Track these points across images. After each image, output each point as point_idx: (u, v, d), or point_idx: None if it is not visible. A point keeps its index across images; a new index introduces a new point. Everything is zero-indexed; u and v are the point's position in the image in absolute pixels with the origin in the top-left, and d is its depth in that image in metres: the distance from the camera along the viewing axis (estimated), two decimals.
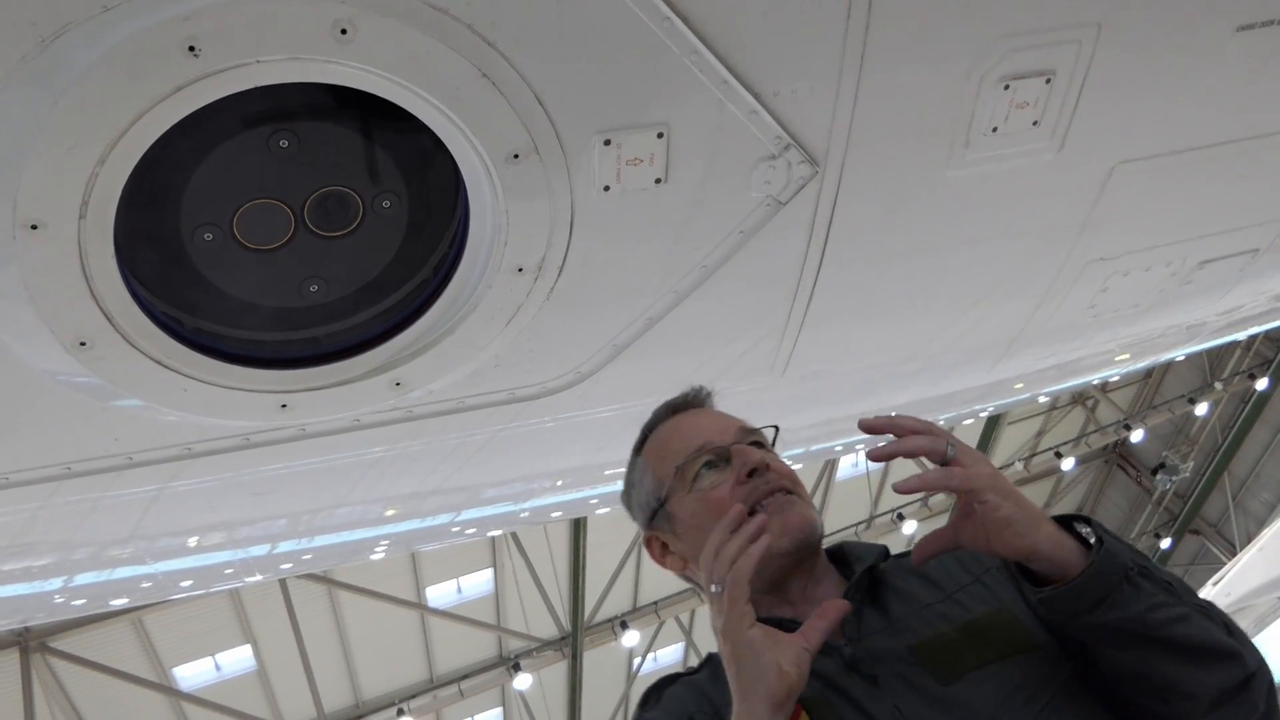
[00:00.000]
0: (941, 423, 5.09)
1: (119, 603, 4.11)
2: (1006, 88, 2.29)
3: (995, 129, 2.36)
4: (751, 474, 1.64)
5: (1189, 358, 17.14)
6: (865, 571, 1.62)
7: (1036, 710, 1.41)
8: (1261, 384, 17.55)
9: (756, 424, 1.81)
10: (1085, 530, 1.42)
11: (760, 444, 1.73)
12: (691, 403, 1.85)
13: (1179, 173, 2.78)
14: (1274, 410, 18.12)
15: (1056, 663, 1.46)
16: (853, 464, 17.09)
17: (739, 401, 3.11)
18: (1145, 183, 2.76)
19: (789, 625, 1.52)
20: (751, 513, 1.59)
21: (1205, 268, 3.30)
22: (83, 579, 3.28)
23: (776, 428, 1.83)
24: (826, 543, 1.72)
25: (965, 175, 2.45)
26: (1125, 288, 3.21)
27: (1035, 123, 2.40)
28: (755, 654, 1.35)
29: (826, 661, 1.48)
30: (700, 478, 1.67)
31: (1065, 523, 1.44)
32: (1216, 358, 18.47)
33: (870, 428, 1.52)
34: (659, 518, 1.73)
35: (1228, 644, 1.40)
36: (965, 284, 2.96)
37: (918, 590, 1.58)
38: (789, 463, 1.76)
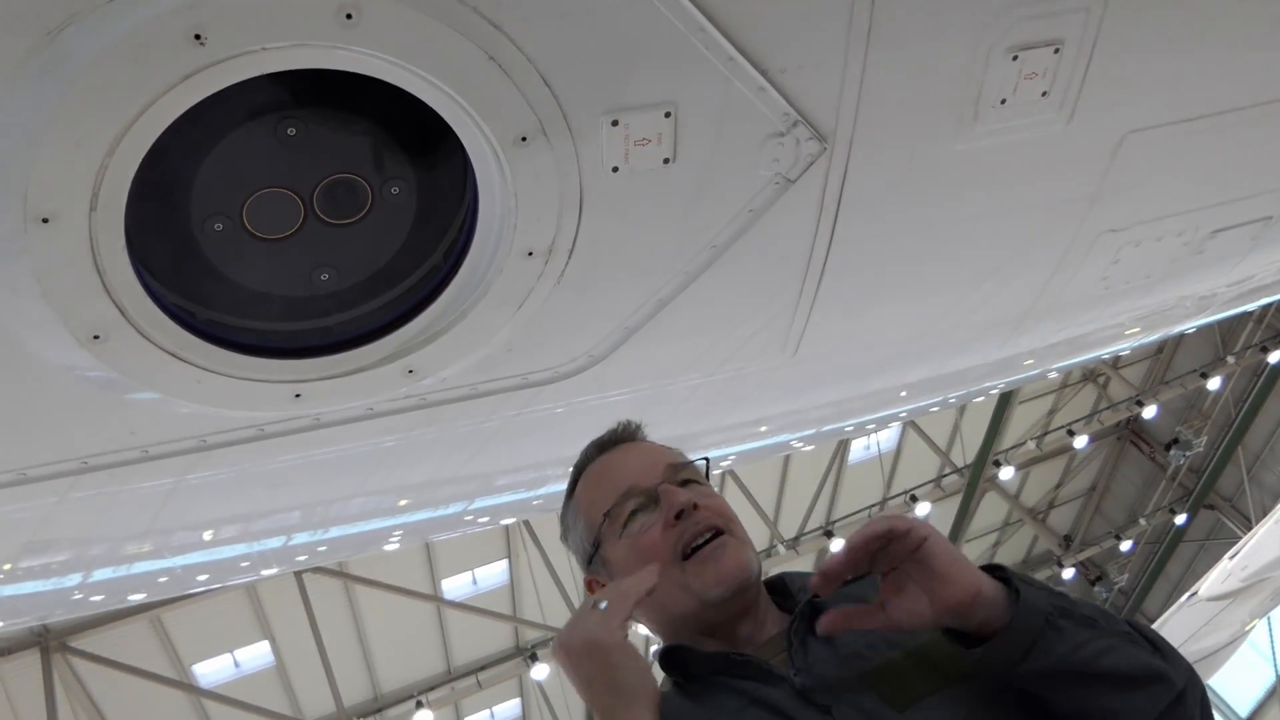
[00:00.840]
0: (953, 401, 5.08)
1: (137, 598, 4.13)
2: (1015, 59, 2.27)
3: (1004, 101, 2.35)
4: (680, 515, 1.61)
5: (1200, 332, 17.08)
6: (808, 601, 1.59)
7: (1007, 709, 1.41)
8: (1274, 357, 17.46)
9: (692, 456, 1.81)
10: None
11: (692, 479, 1.71)
12: (620, 438, 1.82)
13: (1190, 141, 2.76)
14: None
15: (1002, 688, 1.44)
16: (864, 446, 17.09)
17: (751, 382, 3.12)
18: (1156, 152, 2.74)
19: (735, 660, 1.54)
20: (685, 557, 1.59)
21: (1217, 237, 3.28)
22: (100, 574, 3.29)
23: (707, 459, 1.81)
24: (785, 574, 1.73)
25: (975, 149, 2.44)
26: (1137, 259, 3.19)
27: (1044, 94, 2.38)
28: (632, 657, 1.40)
29: (775, 692, 1.47)
30: (630, 522, 1.66)
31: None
32: (1228, 331, 18.38)
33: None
34: (594, 562, 1.72)
35: (1156, 666, 1.41)
36: (976, 259, 2.95)
37: None
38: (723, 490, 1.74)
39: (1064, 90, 2.39)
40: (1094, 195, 2.81)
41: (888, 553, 1.40)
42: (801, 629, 1.57)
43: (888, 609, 1.43)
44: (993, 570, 1.43)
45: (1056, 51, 2.30)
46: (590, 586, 1.74)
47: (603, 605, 1.42)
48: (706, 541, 1.60)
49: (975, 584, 1.38)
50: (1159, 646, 1.45)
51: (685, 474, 1.71)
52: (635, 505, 1.66)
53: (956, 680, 1.44)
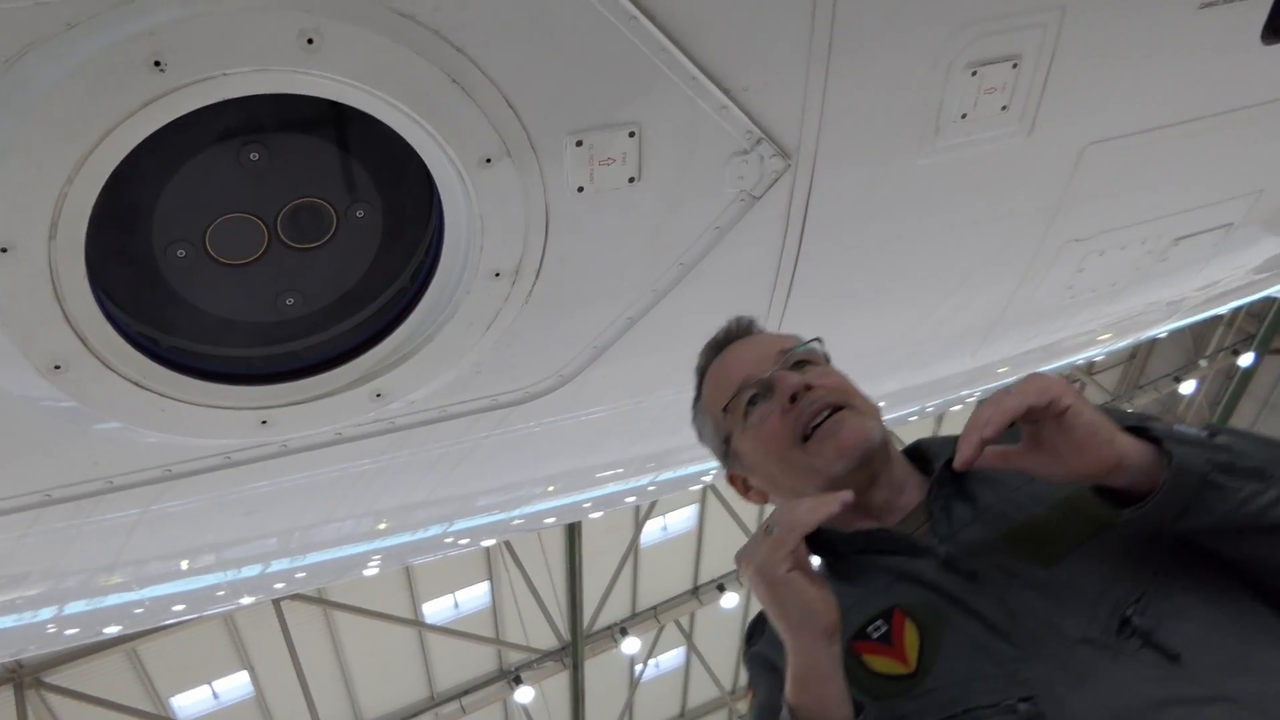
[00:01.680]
0: (930, 410, 5.10)
1: (112, 630, 4.08)
2: (974, 74, 2.30)
3: (964, 115, 2.38)
4: (794, 399, 1.60)
5: (1173, 337, 17.25)
6: (945, 466, 1.55)
7: (1146, 578, 1.34)
8: (1245, 359, 17.66)
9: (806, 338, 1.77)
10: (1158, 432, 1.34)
11: (808, 360, 1.69)
12: (733, 336, 1.82)
13: (1149, 151, 2.80)
14: (1259, 385, 18.25)
15: (1158, 529, 1.36)
16: None
17: None
18: (1116, 162, 2.77)
19: (877, 536, 1.52)
20: (806, 439, 1.58)
21: (1180, 244, 3.32)
22: (73, 608, 3.25)
23: (819, 339, 1.79)
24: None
25: (937, 162, 2.46)
26: (1102, 267, 3.23)
27: (1004, 107, 2.41)
28: (798, 590, 1.32)
29: (921, 564, 1.45)
30: (750, 412, 1.66)
31: (1134, 432, 1.34)
32: (1200, 335, 18.58)
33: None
34: (729, 458, 1.74)
35: None
36: (943, 271, 2.97)
37: (1003, 475, 1.47)
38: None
39: (1023, 104, 2.42)
40: (1057, 206, 2.84)
41: (1029, 413, 1.32)
42: (941, 496, 1.53)
43: (1025, 460, 1.36)
44: (1145, 428, 1.34)
45: (1015, 66, 2.33)
46: (732, 481, 1.77)
47: (774, 530, 1.36)
48: (825, 419, 1.58)
49: (1112, 457, 1.30)
50: None
51: (799, 356, 1.69)
52: (751, 394, 1.66)
53: (1106, 528, 1.38)
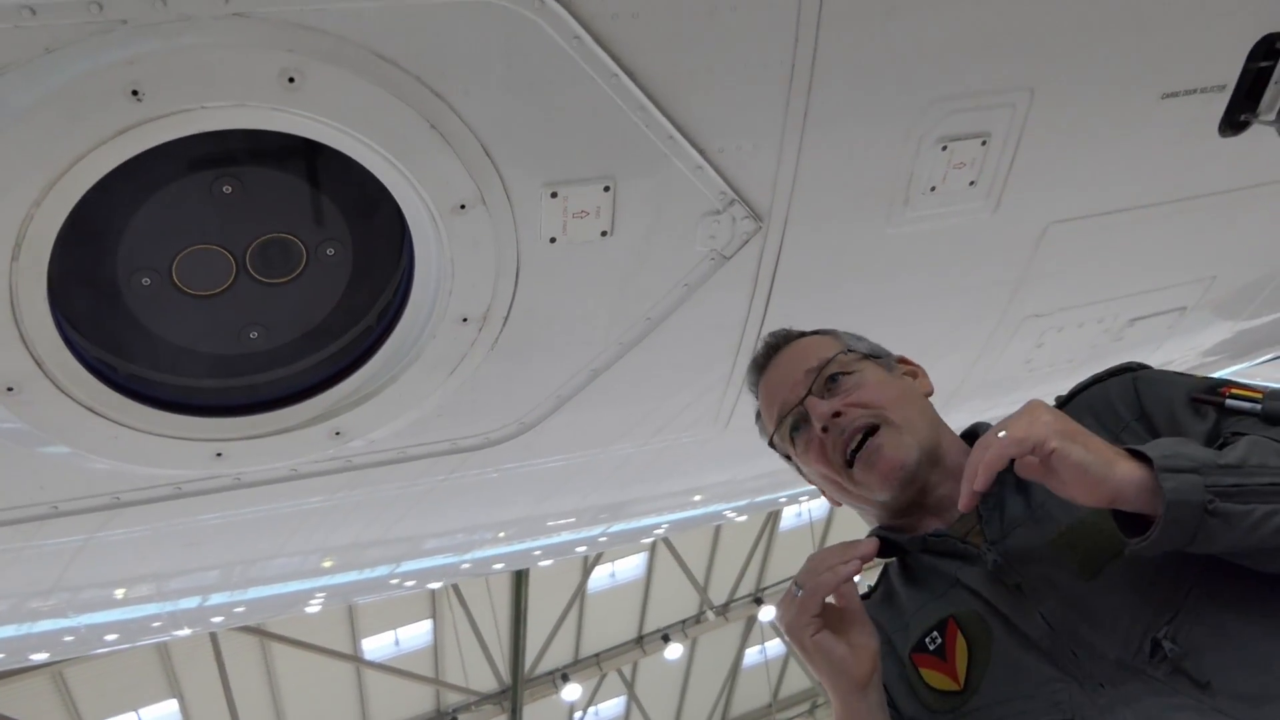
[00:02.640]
0: None
1: (39, 657, 3.96)
2: (944, 149, 2.35)
3: (934, 188, 2.43)
4: (826, 429, 1.60)
5: None
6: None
7: (1180, 597, 1.30)
8: None
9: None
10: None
11: (840, 371, 1.66)
12: (770, 352, 1.79)
13: (1109, 233, 2.87)
14: None
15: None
16: (796, 514, 17.16)
17: (684, 453, 3.13)
18: (1077, 242, 2.84)
19: (933, 541, 1.52)
20: (849, 464, 1.57)
21: (1136, 324, 3.39)
22: (1, 632, 3.15)
23: (834, 333, 1.79)
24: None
25: (904, 233, 2.51)
26: (1060, 343, 3.29)
27: (972, 183, 2.47)
28: (825, 651, 1.34)
29: (973, 571, 1.45)
30: (795, 440, 1.67)
31: (1138, 455, 1.27)
32: None
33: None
34: (802, 476, 1.76)
35: None
36: (905, 338, 2.98)
37: None
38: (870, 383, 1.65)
39: (990, 180, 2.48)
40: (1018, 281, 2.90)
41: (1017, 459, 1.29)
42: (992, 494, 1.45)
43: (1043, 481, 1.31)
44: (1142, 455, 1.26)
45: (984, 144, 2.39)
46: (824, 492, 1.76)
47: (799, 593, 1.36)
48: (860, 444, 1.57)
49: (1105, 495, 1.24)
50: None
51: (830, 370, 1.66)
52: (792, 423, 1.67)
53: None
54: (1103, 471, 1.24)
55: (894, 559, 1.63)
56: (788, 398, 1.68)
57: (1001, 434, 1.28)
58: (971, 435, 1.66)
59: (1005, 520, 1.48)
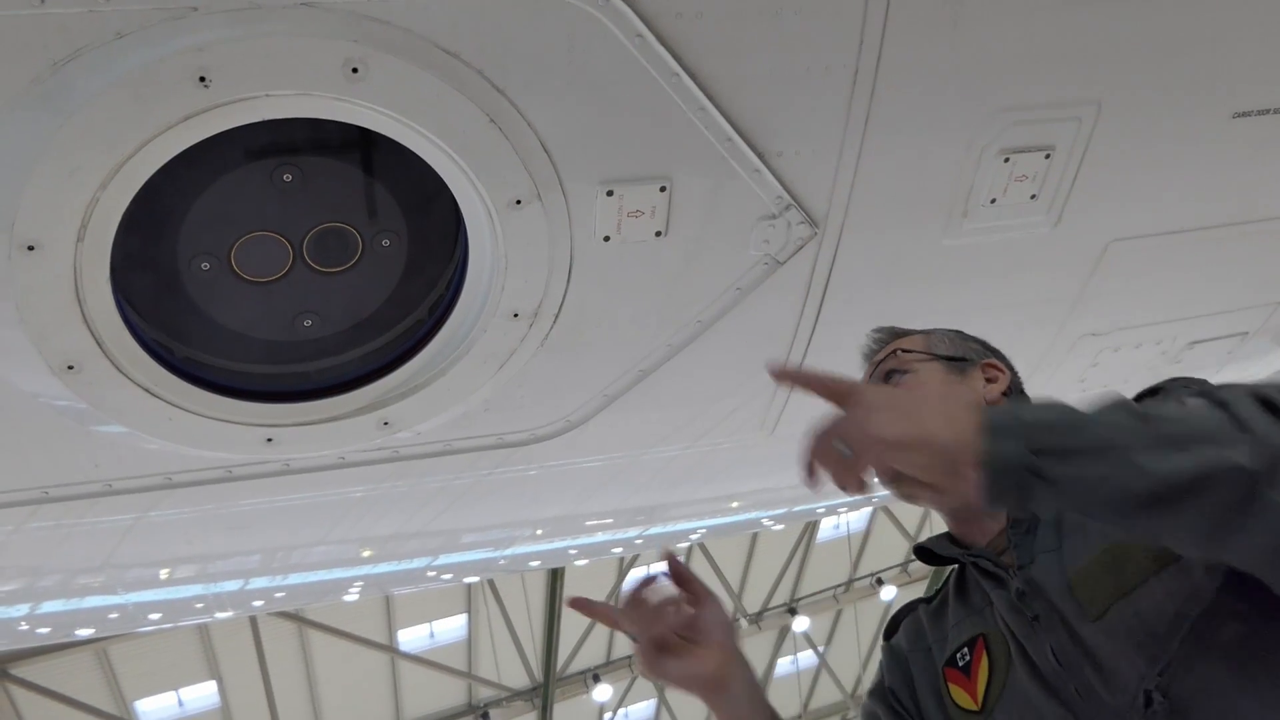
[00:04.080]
0: None
1: (84, 633, 4.04)
2: (1006, 160, 2.32)
3: (994, 200, 2.39)
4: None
5: None
6: None
7: (1174, 644, 1.24)
8: None
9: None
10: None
11: (896, 368, 1.64)
12: (878, 343, 1.77)
13: (1172, 253, 2.80)
14: None
15: (1205, 571, 1.24)
16: (834, 525, 17.04)
17: (727, 458, 3.11)
18: (1138, 261, 2.78)
19: (969, 560, 1.50)
20: None
21: (1195, 348, 3.32)
22: (49, 606, 3.22)
23: (928, 333, 1.73)
24: None
25: (962, 245, 2.47)
26: (1116, 363, 3.22)
27: (1033, 196, 2.42)
28: (670, 680, 1.42)
29: (1001, 595, 1.43)
30: None
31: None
32: None
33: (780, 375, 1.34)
34: None
35: (1201, 466, 1.05)
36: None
37: None
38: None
39: (1052, 195, 2.44)
40: (1076, 299, 2.85)
41: None
42: (1024, 519, 1.44)
43: None
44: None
45: (1047, 157, 2.34)
46: None
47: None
48: None
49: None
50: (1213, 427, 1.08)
51: (888, 366, 1.66)
52: None
53: (1152, 574, 1.27)
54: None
55: (955, 566, 1.61)
56: None
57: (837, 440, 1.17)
58: None
59: (1035, 545, 1.43)
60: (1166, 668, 1.25)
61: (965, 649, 1.46)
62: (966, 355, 1.71)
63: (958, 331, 1.79)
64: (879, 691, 1.66)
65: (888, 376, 1.65)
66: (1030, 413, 1.12)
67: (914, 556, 1.62)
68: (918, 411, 1.11)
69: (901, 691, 1.62)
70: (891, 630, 1.69)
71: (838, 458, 1.16)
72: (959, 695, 1.44)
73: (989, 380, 1.70)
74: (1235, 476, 1.03)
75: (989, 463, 1.07)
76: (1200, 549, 1.13)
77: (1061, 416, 1.11)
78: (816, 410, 1.75)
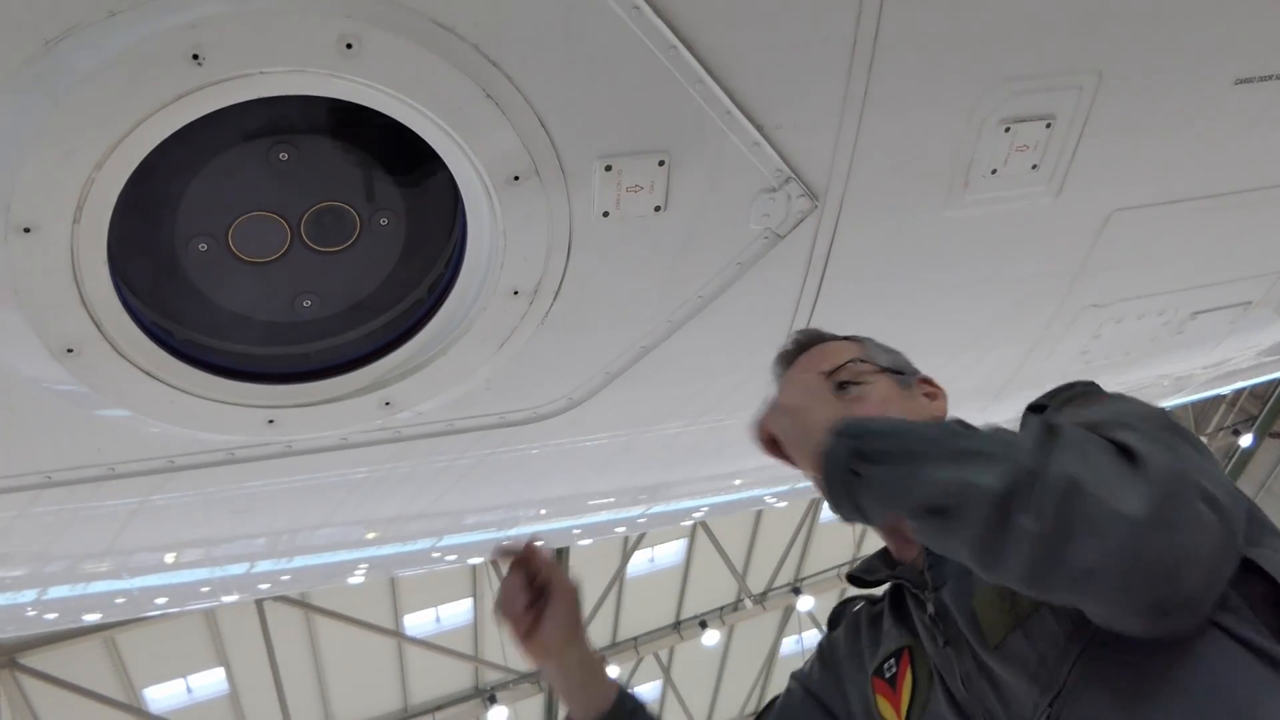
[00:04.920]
0: None
1: (92, 618, 4.05)
2: (1007, 130, 2.30)
3: (995, 171, 2.37)
4: None
5: (1174, 412, 17.19)
6: None
7: (1063, 674, 1.24)
8: (1245, 440, 17.61)
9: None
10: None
11: (848, 380, 1.66)
12: (800, 347, 1.80)
13: (1175, 222, 2.79)
14: (1258, 466, 18.18)
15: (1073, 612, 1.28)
16: None
17: (730, 435, 3.11)
18: (1141, 231, 2.77)
19: (897, 579, 1.53)
20: None
21: (1198, 318, 3.31)
22: (56, 592, 3.22)
23: (861, 341, 1.78)
24: None
25: (963, 216, 2.46)
26: (1118, 335, 3.21)
27: (1034, 166, 2.41)
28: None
29: (920, 614, 1.45)
30: None
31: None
32: (1201, 413, 18.54)
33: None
34: None
35: (955, 479, 1.08)
36: (960, 325, 2.96)
37: None
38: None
39: (1054, 164, 2.42)
40: (1078, 270, 2.83)
41: None
42: None
43: None
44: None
45: (1048, 126, 2.33)
46: None
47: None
48: None
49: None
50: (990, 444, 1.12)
51: (841, 376, 1.66)
52: None
53: (1039, 605, 1.27)
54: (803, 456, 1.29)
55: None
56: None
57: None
58: None
59: (945, 569, 1.44)
60: (1056, 697, 1.25)
61: (892, 660, 1.47)
62: (903, 369, 1.73)
63: (876, 341, 1.81)
64: (806, 677, 1.69)
65: (841, 386, 1.65)
66: (878, 422, 1.27)
67: (847, 583, 1.63)
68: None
69: (826, 686, 1.64)
70: (835, 621, 1.69)
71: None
72: (884, 707, 1.45)
73: (927, 396, 1.72)
74: (978, 494, 1.05)
75: (823, 457, 1.19)
76: (985, 573, 1.13)
77: (894, 425, 1.22)
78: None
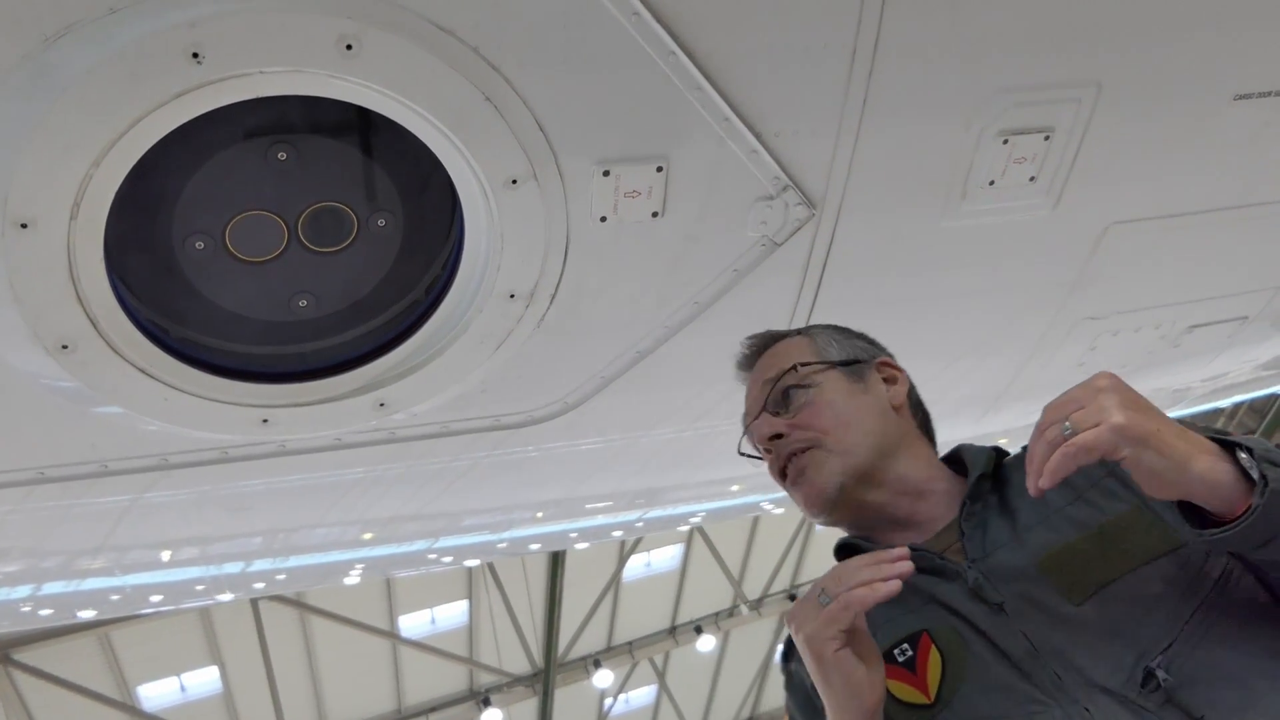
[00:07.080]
0: None
1: (86, 614, 4.05)
2: (1005, 142, 2.30)
3: (992, 182, 2.38)
4: (769, 448, 1.64)
5: None
6: (979, 480, 1.52)
7: (1181, 624, 1.27)
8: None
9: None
10: (1245, 458, 1.21)
11: (796, 384, 1.65)
12: (751, 354, 1.80)
13: (1172, 236, 2.79)
14: None
15: (1205, 561, 1.30)
16: None
17: (726, 441, 3.11)
18: (1138, 244, 2.77)
19: (917, 554, 1.43)
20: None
21: (1194, 332, 3.31)
22: (51, 588, 3.23)
23: (810, 334, 1.76)
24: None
25: (960, 226, 2.46)
26: (1114, 347, 3.21)
27: (1032, 178, 2.41)
28: (846, 672, 1.28)
29: (950, 589, 1.42)
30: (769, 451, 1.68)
31: (1227, 445, 1.23)
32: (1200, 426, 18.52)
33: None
34: None
35: None
36: (955, 335, 2.96)
37: (1049, 491, 1.31)
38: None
39: (1051, 177, 2.42)
40: (1075, 282, 2.83)
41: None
42: (977, 512, 1.49)
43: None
44: (1241, 445, 1.23)
45: (1047, 139, 2.33)
46: None
47: (824, 601, 1.30)
48: (789, 467, 1.61)
49: (1181, 494, 1.21)
50: None
51: (785, 383, 1.65)
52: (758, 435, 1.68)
53: (1145, 562, 1.31)
54: (1175, 476, 1.20)
55: None
56: (750, 407, 1.71)
57: (1067, 427, 1.21)
58: (954, 458, 1.64)
59: (987, 540, 1.45)
60: (1170, 646, 1.26)
61: (904, 645, 1.43)
62: (858, 356, 1.71)
63: (835, 327, 1.80)
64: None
65: (785, 395, 1.64)
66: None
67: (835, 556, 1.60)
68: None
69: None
70: (791, 652, 1.60)
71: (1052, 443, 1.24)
72: (900, 690, 1.40)
73: (887, 381, 1.70)
74: None
75: (1273, 495, 1.16)
76: None
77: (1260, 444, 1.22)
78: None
